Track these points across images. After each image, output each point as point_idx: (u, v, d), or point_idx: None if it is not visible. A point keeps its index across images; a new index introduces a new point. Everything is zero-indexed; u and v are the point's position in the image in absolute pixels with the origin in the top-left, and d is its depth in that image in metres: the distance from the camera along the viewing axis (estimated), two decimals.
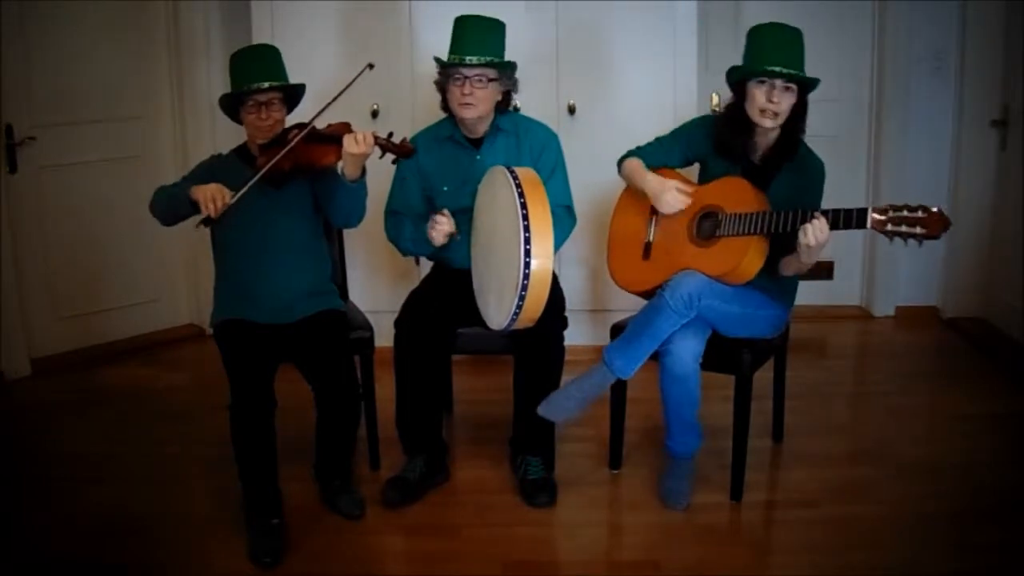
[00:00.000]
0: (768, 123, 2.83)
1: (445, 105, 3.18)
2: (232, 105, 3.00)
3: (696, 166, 3.15)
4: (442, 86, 3.15)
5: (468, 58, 3.03)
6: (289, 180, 2.95)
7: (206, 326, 4.32)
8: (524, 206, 2.76)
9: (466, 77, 3.05)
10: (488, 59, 3.05)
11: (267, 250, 2.99)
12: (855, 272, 4.87)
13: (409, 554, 2.90)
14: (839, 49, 4.64)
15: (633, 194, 3.13)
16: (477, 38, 3.06)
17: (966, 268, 4.60)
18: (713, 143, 3.00)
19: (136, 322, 4.52)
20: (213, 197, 2.73)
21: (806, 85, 2.84)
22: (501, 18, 3.14)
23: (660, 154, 3.11)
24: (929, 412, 3.75)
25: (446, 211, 3.08)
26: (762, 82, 2.81)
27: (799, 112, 2.85)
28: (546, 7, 4.00)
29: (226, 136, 3.73)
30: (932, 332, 4.61)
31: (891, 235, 2.56)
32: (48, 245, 4.21)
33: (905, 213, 2.53)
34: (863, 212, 2.59)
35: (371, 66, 2.93)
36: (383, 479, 3.11)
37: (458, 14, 3.15)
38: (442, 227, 3.06)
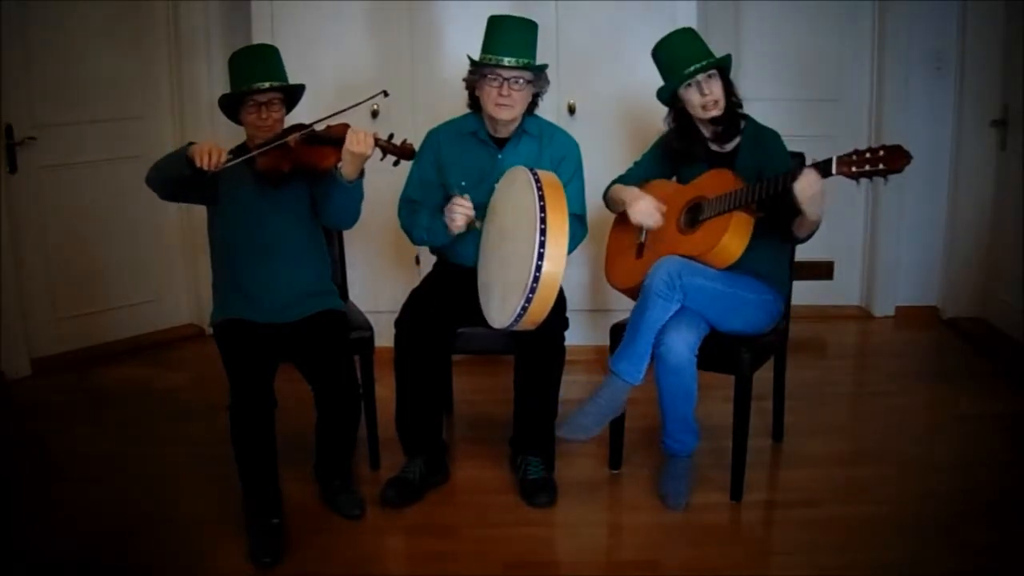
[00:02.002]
0: (713, 113, 2.98)
1: (472, 103, 3.18)
2: (231, 105, 3.00)
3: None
4: (472, 84, 3.15)
5: (507, 60, 3.03)
6: (289, 181, 2.95)
7: (206, 326, 4.32)
8: (543, 209, 2.77)
9: (504, 79, 3.04)
10: (526, 61, 3.05)
11: (267, 250, 2.99)
12: (855, 272, 4.87)
13: (409, 554, 2.90)
14: (839, 49, 4.65)
15: None
16: (515, 39, 3.05)
17: (966, 268, 4.60)
18: (672, 158, 3.16)
19: (136, 322, 4.52)
20: (209, 151, 2.73)
21: (724, 66, 3.00)
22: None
23: (639, 174, 3.24)
24: (929, 412, 3.75)
25: (467, 196, 3.06)
26: (689, 85, 2.96)
27: (729, 91, 3.01)
28: (546, 7, 4.00)
29: (226, 136, 3.72)
30: (932, 332, 4.61)
31: (857, 176, 2.66)
32: (48, 245, 4.21)
33: (868, 155, 2.63)
34: (828, 161, 2.69)
35: (385, 93, 2.98)
36: (383, 479, 3.11)
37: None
38: (463, 211, 3.04)
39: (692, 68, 2.93)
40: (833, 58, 4.65)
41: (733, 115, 3.02)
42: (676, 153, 3.13)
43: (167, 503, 3.07)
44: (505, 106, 3.07)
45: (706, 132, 3.05)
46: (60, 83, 4.14)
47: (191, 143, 2.81)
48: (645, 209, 3.07)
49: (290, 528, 2.85)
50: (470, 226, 3.07)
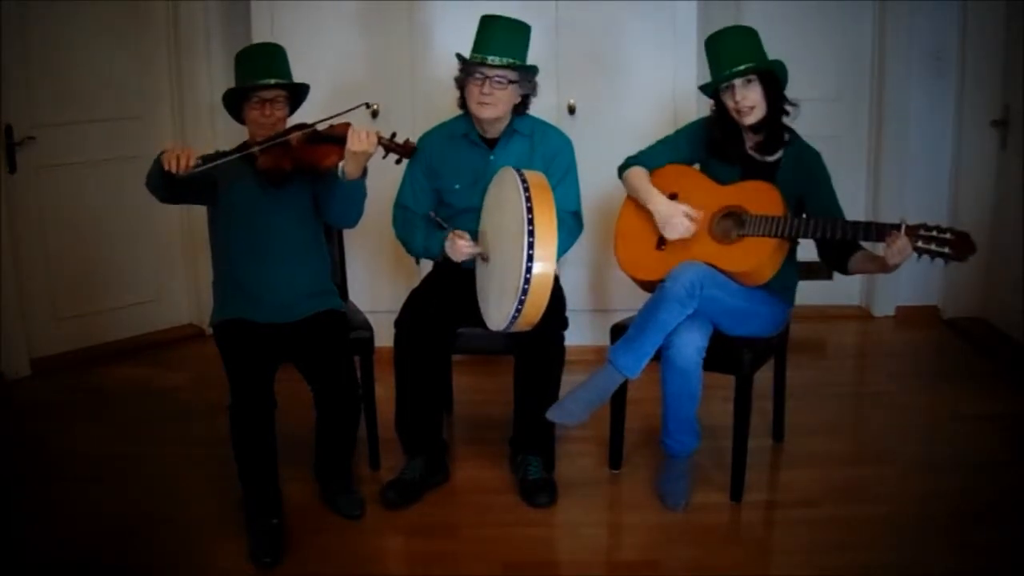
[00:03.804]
0: (748, 120, 2.90)
1: (463, 102, 3.18)
2: (235, 102, 3.00)
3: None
4: (461, 83, 3.15)
5: (491, 58, 3.03)
6: (290, 180, 2.95)
7: (206, 326, 4.32)
8: (530, 210, 2.76)
9: (486, 77, 3.04)
10: (510, 60, 3.05)
11: (267, 250, 2.99)
12: None
13: (409, 554, 2.90)
14: (839, 49, 4.65)
15: (655, 182, 3.09)
16: (502, 39, 3.05)
17: (966, 268, 4.53)
18: (707, 147, 3.06)
19: (136, 322, 4.52)
20: (177, 156, 2.69)
21: (768, 73, 2.89)
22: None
23: (666, 153, 3.13)
24: (929, 412, 3.74)
25: (467, 235, 3.05)
26: (727, 87, 2.89)
27: (774, 98, 2.92)
28: (546, 7, 4.00)
29: (226, 136, 3.74)
30: (932, 332, 4.61)
31: (919, 251, 2.64)
32: (48, 245, 4.21)
33: (935, 233, 2.62)
34: (896, 227, 2.67)
35: (368, 105, 2.95)
36: (383, 479, 3.11)
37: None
38: (463, 250, 3.03)
39: (728, 72, 2.86)
40: (833, 58, 4.64)
41: (776, 124, 2.94)
42: (714, 143, 3.03)
43: (167, 503, 3.07)
44: (487, 104, 3.06)
45: (747, 138, 2.99)
46: (60, 83, 4.14)
47: (163, 151, 2.77)
48: (681, 228, 2.94)
49: (290, 528, 2.85)
50: (479, 257, 3.06)
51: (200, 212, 3.18)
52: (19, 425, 3.71)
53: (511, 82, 3.07)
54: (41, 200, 4.16)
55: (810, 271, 4.66)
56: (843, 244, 2.87)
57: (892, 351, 4.43)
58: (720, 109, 2.98)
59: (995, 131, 4.45)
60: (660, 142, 3.18)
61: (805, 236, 2.81)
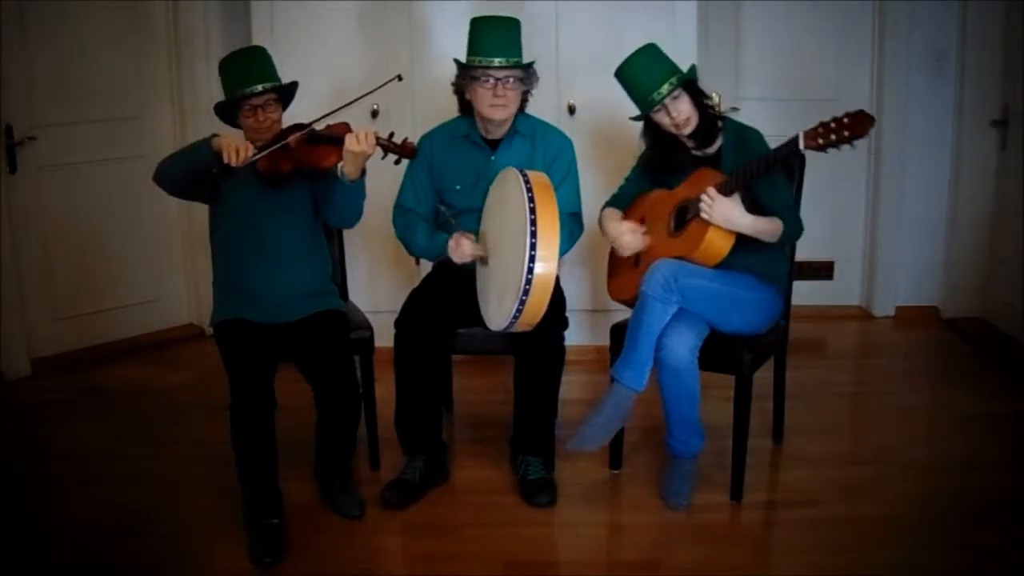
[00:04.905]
0: (687, 130, 2.99)
1: (462, 108, 3.18)
2: (227, 111, 3.00)
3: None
4: (461, 88, 3.15)
5: (497, 60, 3.03)
6: (289, 182, 2.95)
7: (206, 326, 4.32)
8: (533, 210, 2.76)
9: (496, 79, 3.04)
10: (515, 60, 3.06)
11: (267, 250, 2.99)
12: (855, 272, 4.87)
13: (409, 554, 2.90)
14: (839, 49, 4.65)
15: (628, 218, 3.20)
16: (502, 39, 3.05)
17: (966, 268, 4.60)
18: (656, 172, 3.15)
19: (136, 322, 4.52)
20: (237, 147, 2.73)
21: (688, 81, 2.97)
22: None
23: (631, 189, 3.25)
24: (929, 412, 3.75)
25: (471, 235, 3.07)
26: (657, 110, 2.96)
27: (698, 97, 2.99)
28: (546, 7, 4.00)
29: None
30: (932, 332, 4.61)
31: (825, 147, 2.68)
32: (48, 245, 4.21)
33: (833, 124, 2.66)
34: (794, 139, 2.72)
35: (400, 78, 2.99)
36: (383, 479, 3.11)
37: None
38: (467, 250, 3.04)
39: (654, 96, 2.92)
40: (833, 58, 4.64)
41: (709, 121, 3.00)
42: (657, 169, 3.13)
43: (167, 503, 3.07)
44: (500, 106, 3.07)
45: (686, 143, 3.04)
46: (60, 83, 4.14)
47: (214, 135, 2.81)
48: (629, 243, 3.10)
49: (290, 528, 2.85)
50: (477, 260, 3.07)
51: (200, 212, 3.18)
52: (19, 425, 3.71)
53: (518, 80, 3.08)
54: (41, 200, 4.16)
55: (810, 271, 4.70)
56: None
57: (892, 351, 4.43)
58: (652, 131, 3.06)
59: (995, 131, 4.45)
60: (625, 180, 3.29)
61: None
